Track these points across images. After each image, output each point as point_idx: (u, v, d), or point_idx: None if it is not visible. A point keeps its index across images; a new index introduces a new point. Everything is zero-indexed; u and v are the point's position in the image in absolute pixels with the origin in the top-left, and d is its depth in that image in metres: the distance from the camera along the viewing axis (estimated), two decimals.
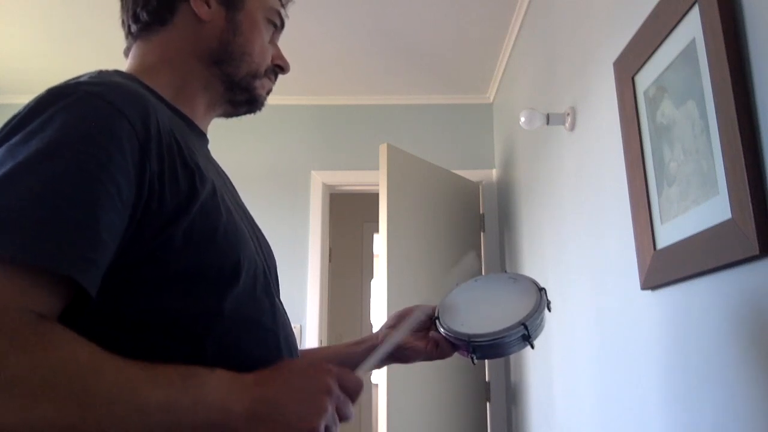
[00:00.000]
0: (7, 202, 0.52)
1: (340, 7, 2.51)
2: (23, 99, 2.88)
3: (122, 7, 0.83)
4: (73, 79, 0.65)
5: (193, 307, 0.64)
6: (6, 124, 0.59)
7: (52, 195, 0.53)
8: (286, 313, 0.78)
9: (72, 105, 0.59)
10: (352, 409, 0.66)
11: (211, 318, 0.65)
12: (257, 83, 0.84)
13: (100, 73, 0.70)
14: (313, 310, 3.07)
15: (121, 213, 0.57)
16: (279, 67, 0.89)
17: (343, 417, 0.64)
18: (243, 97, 0.84)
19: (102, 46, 2.74)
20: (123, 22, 0.83)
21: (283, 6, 0.89)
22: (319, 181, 3.25)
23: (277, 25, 0.88)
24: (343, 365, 0.95)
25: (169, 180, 0.62)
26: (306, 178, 3.26)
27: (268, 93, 0.88)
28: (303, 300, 3.09)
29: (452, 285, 0.97)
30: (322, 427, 0.60)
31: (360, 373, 0.73)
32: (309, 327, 3.05)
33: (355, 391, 0.66)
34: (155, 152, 0.62)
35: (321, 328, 3.07)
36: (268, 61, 0.86)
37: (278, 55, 0.89)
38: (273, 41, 0.88)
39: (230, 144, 3.12)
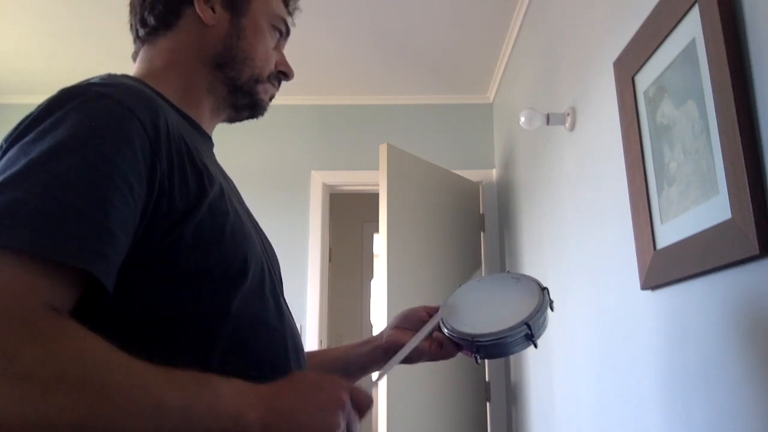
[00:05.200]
0: (21, 198, 0.52)
1: (341, 7, 2.51)
2: (24, 99, 2.87)
3: (131, 11, 0.84)
4: (85, 80, 0.66)
5: (202, 307, 0.64)
6: (19, 124, 0.60)
7: (64, 191, 0.54)
8: (291, 312, 0.79)
9: (84, 105, 0.60)
10: (359, 425, 0.66)
11: (219, 317, 0.65)
12: (260, 88, 0.85)
13: (110, 75, 0.71)
14: (313, 310, 3.07)
15: (133, 210, 0.58)
16: (283, 74, 0.90)
17: None
18: (245, 101, 0.85)
19: (103, 46, 2.74)
20: (131, 26, 0.84)
21: (289, 14, 0.90)
22: (319, 181, 3.25)
23: (283, 32, 0.89)
24: (348, 367, 0.95)
25: (178, 180, 0.63)
26: (306, 178, 3.26)
27: (270, 98, 0.89)
28: (303, 300, 3.09)
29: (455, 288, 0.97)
30: None
31: (379, 378, 0.75)
32: (309, 327, 3.05)
33: (365, 407, 0.66)
34: (165, 152, 0.62)
35: (321, 328, 3.07)
36: (271, 67, 0.86)
37: (282, 61, 0.89)
38: (278, 48, 0.89)
39: (230, 144, 3.12)
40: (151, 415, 0.51)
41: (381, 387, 2.46)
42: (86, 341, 0.52)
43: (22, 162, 0.55)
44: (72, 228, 0.53)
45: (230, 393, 0.57)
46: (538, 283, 0.94)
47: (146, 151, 0.60)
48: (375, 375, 0.81)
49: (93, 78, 0.67)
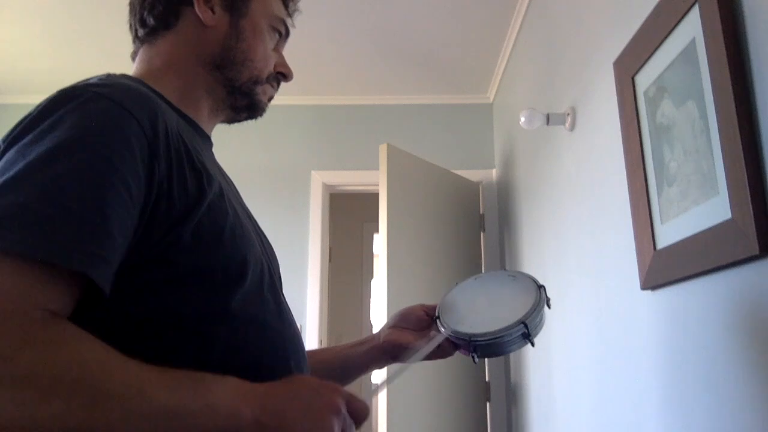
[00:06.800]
0: (19, 200, 0.52)
1: (341, 7, 2.51)
2: (25, 99, 2.87)
3: (131, 11, 0.84)
4: (83, 81, 0.66)
5: (201, 307, 0.64)
6: (17, 125, 0.60)
7: (62, 193, 0.54)
8: (291, 312, 0.79)
9: (82, 106, 0.60)
10: None
11: (219, 317, 0.65)
12: (258, 89, 0.85)
13: (109, 76, 0.70)
14: (313, 310, 3.07)
15: (131, 212, 0.58)
16: (282, 75, 0.89)
17: None
18: (244, 103, 0.85)
19: (104, 47, 2.74)
20: (131, 26, 0.84)
21: (289, 15, 0.90)
22: (319, 181, 3.25)
23: (282, 34, 0.89)
24: (346, 366, 0.95)
25: (177, 181, 0.63)
26: (306, 178, 3.26)
27: (269, 100, 0.89)
28: (303, 300, 3.09)
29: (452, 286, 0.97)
30: None
31: (379, 388, 0.75)
32: (309, 327, 3.05)
33: (361, 415, 0.65)
34: (164, 153, 0.62)
35: (321, 328, 3.08)
36: (270, 68, 0.86)
37: (282, 63, 0.89)
38: (277, 49, 0.89)
39: (230, 144, 3.12)
40: (147, 417, 0.52)
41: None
42: (82, 344, 0.52)
43: (20, 165, 0.55)
44: (69, 231, 0.53)
45: (225, 391, 0.57)
46: (535, 281, 0.94)
47: (144, 152, 0.60)
48: (374, 379, 0.81)
49: (91, 78, 0.67)
